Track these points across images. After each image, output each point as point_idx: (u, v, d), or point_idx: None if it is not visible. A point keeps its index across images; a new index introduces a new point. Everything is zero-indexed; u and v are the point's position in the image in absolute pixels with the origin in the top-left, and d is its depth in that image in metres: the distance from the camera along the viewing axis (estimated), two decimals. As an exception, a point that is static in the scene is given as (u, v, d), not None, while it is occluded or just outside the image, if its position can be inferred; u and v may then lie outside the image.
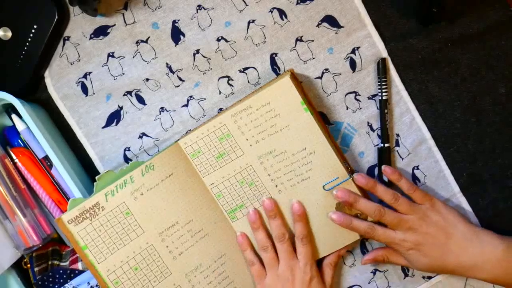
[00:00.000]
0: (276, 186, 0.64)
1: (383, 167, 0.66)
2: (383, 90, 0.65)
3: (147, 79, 0.67)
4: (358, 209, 0.63)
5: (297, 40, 0.66)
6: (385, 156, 0.67)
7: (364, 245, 0.69)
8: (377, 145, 0.68)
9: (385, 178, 0.66)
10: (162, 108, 0.68)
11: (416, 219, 0.63)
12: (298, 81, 0.65)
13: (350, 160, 0.67)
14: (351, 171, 0.65)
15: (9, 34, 0.65)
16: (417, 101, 0.67)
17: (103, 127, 0.68)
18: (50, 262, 0.68)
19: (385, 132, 0.67)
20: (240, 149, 0.63)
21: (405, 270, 0.70)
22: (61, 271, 0.67)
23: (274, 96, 0.62)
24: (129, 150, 0.68)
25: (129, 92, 0.68)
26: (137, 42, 0.67)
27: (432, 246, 0.63)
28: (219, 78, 0.67)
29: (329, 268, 0.66)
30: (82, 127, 0.68)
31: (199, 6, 0.66)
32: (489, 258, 0.62)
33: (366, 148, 0.68)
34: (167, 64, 0.67)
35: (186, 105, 0.68)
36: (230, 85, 0.67)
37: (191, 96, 0.68)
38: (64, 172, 0.63)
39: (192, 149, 0.64)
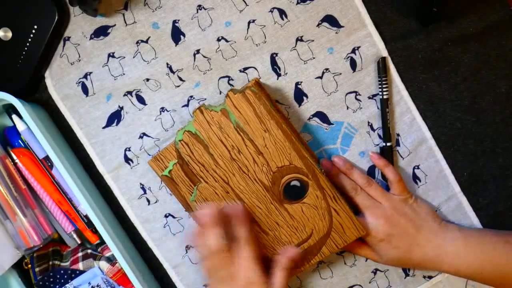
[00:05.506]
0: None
1: (370, 152, 0.67)
2: (384, 89, 0.65)
3: (148, 79, 0.67)
4: (352, 178, 0.65)
5: (297, 40, 0.66)
6: (387, 155, 0.67)
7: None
8: (377, 144, 0.68)
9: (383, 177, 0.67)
10: (162, 108, 0.68)
11: (388, 208, 0.64)
12: (263, 89, 0.64)
13: (350, 160, 0.68)
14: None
15: (9, 34, 0.65)
16: (418, 101, 0.67)
17: (104, 127, 0.68)
18: (51, 262, 0.68)
19: (386, 131, 0.67)
20: None
21: (406, 270, 0.70)
22: (62, 271, 0.67)
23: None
24: (129, 150, 0.68)
25: (130, 92, 0.68)
26: (137, 42, 0.67)
27: (401, 237, 0.63)
28: (220, 78, 0.67)
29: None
30: (82, 127, 0.68)
31: (199, 6, 0.66)
32: (449, 249, 0.63)
33: (366, 148, 0.68)
34: (167, 64, 0.67)
35: (187, 105, 0.68)
36: (231, 85, 0.67)
37: (191, 96, 0.68)
38: (64, 172, 0.63)
39: None
